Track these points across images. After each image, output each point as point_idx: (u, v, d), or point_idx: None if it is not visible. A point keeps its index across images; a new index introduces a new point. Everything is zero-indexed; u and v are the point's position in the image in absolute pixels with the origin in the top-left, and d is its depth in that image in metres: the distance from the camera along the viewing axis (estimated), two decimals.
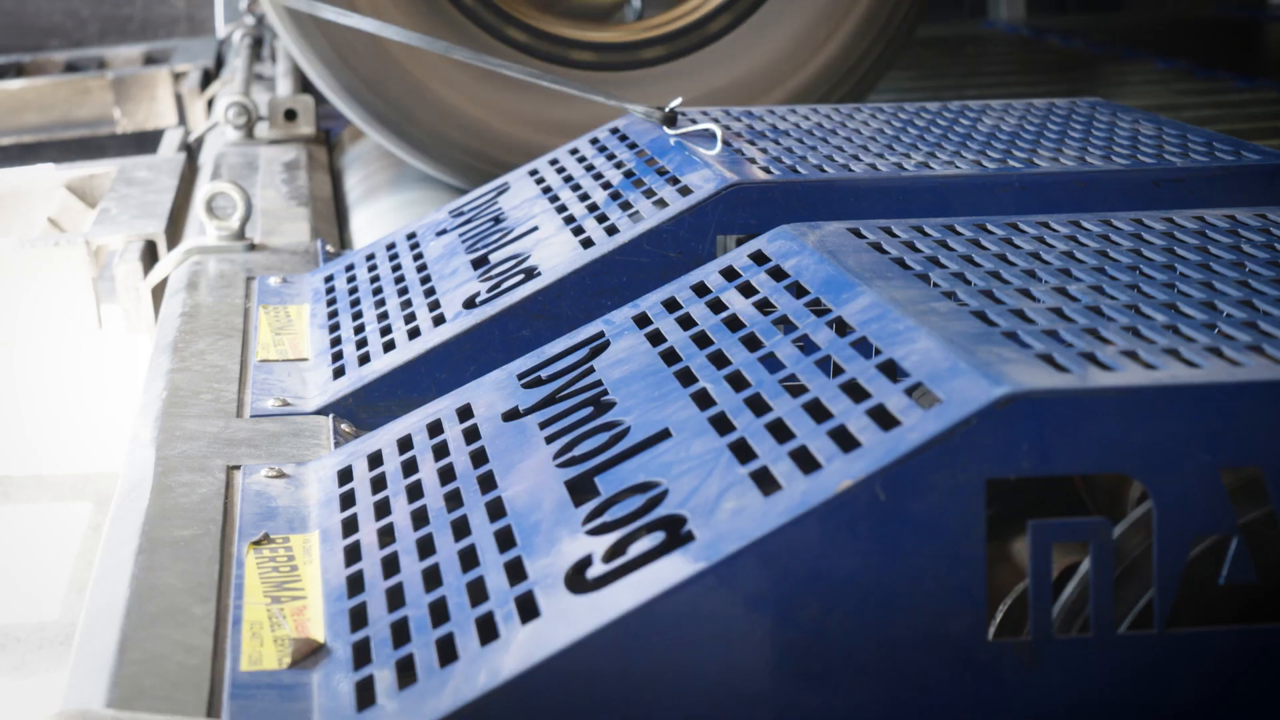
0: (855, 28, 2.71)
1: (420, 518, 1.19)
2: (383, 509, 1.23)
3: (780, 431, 1.07)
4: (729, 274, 1.41)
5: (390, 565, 1.14)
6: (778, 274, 1.36)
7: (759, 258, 1.41)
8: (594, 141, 2.08)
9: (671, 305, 1.39)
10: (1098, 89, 3.80)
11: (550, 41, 2.69)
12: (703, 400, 1.17)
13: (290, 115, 3.19)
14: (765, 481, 1.02)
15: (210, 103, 4.00)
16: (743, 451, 1.07)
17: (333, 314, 1.84)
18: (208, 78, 4.30)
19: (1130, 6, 5.81)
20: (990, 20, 5.67)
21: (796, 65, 2.72)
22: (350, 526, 1.22)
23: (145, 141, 3.94)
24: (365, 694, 1.00)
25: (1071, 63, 4.46)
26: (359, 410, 1.56)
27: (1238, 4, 5.68)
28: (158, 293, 2.22)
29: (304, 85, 3.72)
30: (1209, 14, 5.52)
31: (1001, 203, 1.67)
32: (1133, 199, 1.66)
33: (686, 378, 1.23)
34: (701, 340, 1.29)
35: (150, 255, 2.32)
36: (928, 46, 4.63)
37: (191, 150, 3.21)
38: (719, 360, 1.23)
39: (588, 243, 1.71)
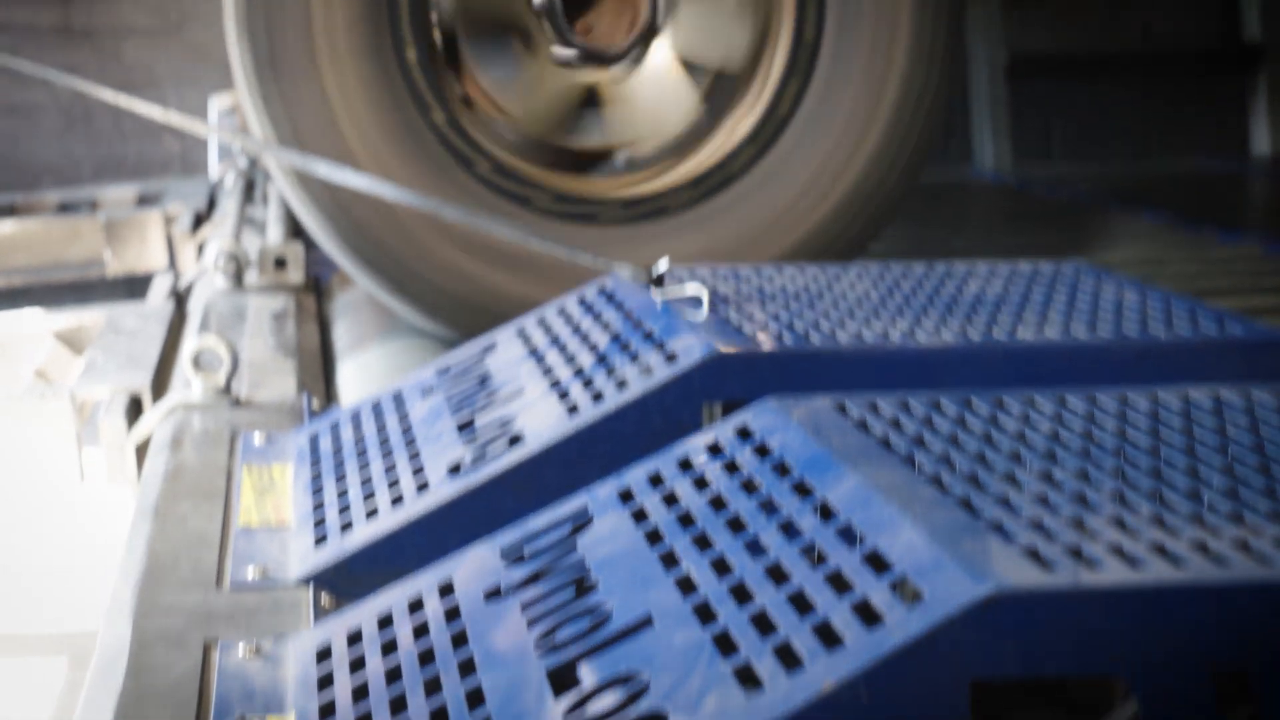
0: (874, 151, 2.74)
1: (399, 705, 1.17)
2: (361, 693, 1.21)
3: (763, 623, 1.06)
4: (714, 449, 1.40)
5: None
6: (762, 450, 1.35)
7: (744, 432, 1.41)
8: (581, 301, 2.08)
9: (656, 480, 1.38)
10: (1082, 241, 3.84)
11: (578, 203, 2.71)
12: (686, 586, 1.16)
13: (280, 263, 3.20)
14: (748, 677, 1.01)
15: (201, 247, 4.02)
16: (725, 643, 1.06)
17: (316, 476, 1.83)
18: (199, 219, 4.32)
19: (1115, 155, 5.89)
20: (977, 168, 5.74)
21: (819, 197, 2.74)
22: (328, 711, 1.21)
23: (135, 285, 3.96)
24: None
25: (1056, 214, 4.51)
26: (340, 580, 1.54)
27: (1221, 155, 5.76)
28: (142, 447, 2.21)
29: (295, 230, 3.74)
30: (1193, 165, 5.60)
31: (987, 374, 1.67)
32: (1117, 371, 1.66)
33: (670, 560, 1.22)
34: (685, 520, 1.28)
35: (135, 408, 2.32)
36: (914, 193, 4.68)
37: (181, 297, 3.21)
38: (703, 543, 1.22)
39: (573, 409, 1.70)
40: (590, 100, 2.79)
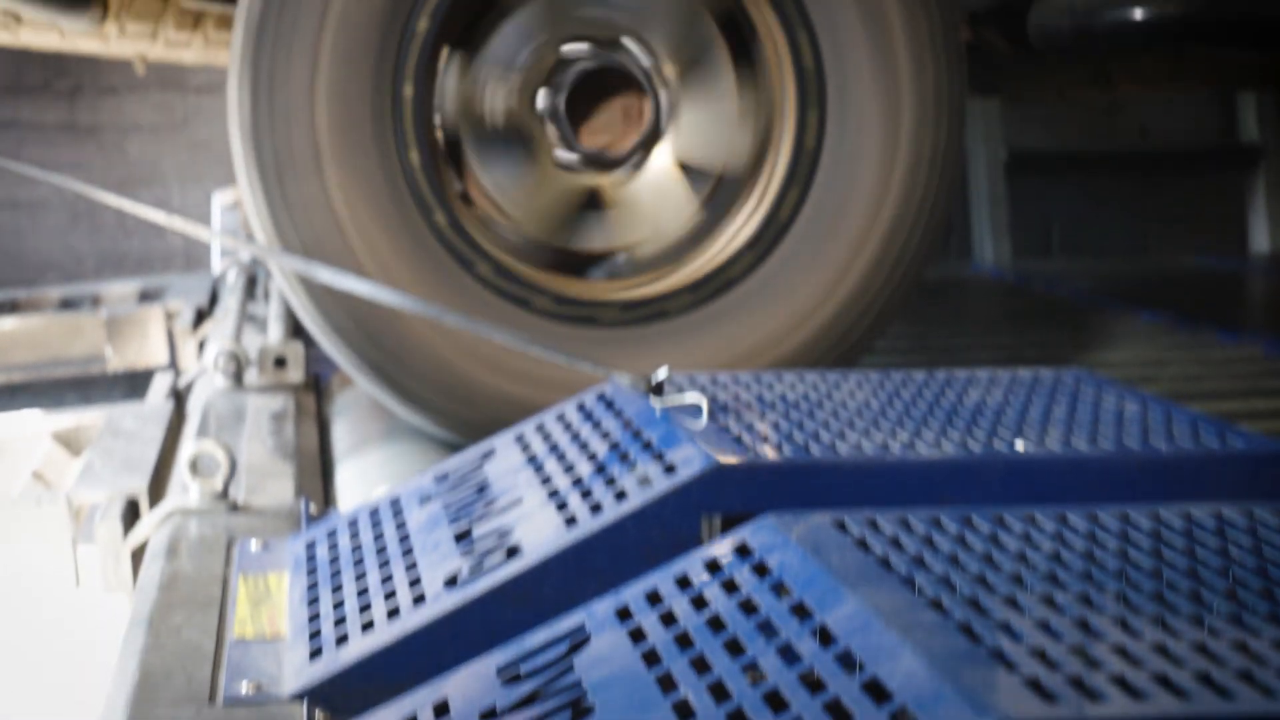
0: (876, 256, 2.74)
1: None
2: None
3: None
4: (712, 566, 1.39)
5: None
6: (761, 569, 1.34)
7: (742, 550, 1.40)
8: (581, 407, 2.08)
9: (654, 598, 1.37)
10: (1083, 341, 3.84)
11: (577, 306, 2.71)
12: (683, 711, 1.15)
13: (280, 362, 3.20)
14: None
15: (202, 343, 4.03)
16: None
17: (312, 586, 1.82)
18: (200, 315, 4.34)
19: (1115, 252, 5.92)
20: (976, 263, 5.77)
21: (820, 301, 2.74)
22: None
23: (136, 381, 3.96)
24: None
25: (1056, 311, 4.51)
26: (335, 695, 1.53)
27: (1221, 253, 5.78)
28: (138, 553, 2.20)
29: (295, 328, 3.74)
30: (1192, 263, 5.62)
31: (987, 487, 1.66)
32: (1118, 485, 1.65)
33: (667, 683, 1.20)
34: (683, 641, 1.26)
35: (132, 513, 2.31)
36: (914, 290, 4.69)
37: (180, 396, 3.21)
38: (701, 665, 1.21)
39: (571, 521, 1.69)
40: (592, 203, 2.80)
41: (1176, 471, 1.66)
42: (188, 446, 2.21)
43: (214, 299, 4.60)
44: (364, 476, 2.69)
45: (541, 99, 2.69)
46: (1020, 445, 1.73)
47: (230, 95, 2.65)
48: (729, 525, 1.59)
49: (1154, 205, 5.97)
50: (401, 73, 2.62)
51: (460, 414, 2.70)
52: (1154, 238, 5.95)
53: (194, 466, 2.18)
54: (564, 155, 2.72)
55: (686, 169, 2.80)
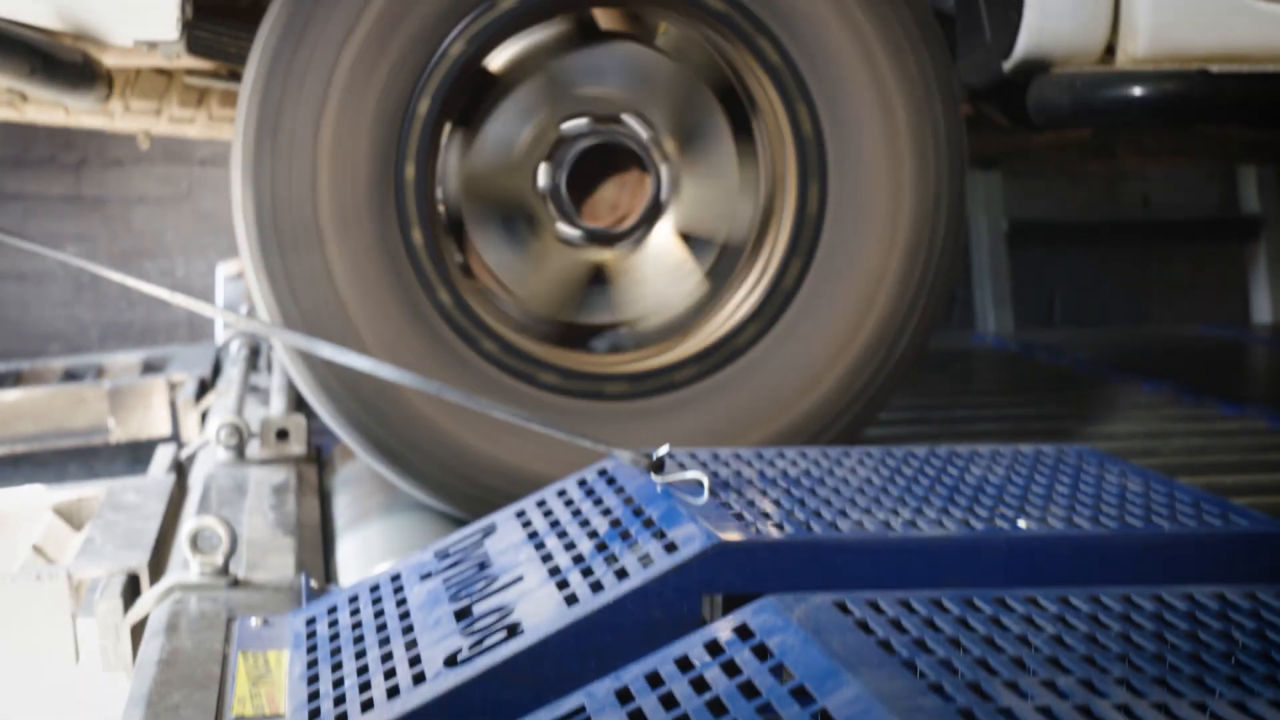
0: (879, 326, 2.74)
1: None
2: None
3: None
4: (713, 648, 1.38)
5: None
6: (762, 652, 1.34)
7: (743, 631, 1.39)
8: (581, 484, 2.08)
9: (654, 680, 1.36)
10: (1086, 413, 3.84)
11: (583, 379, 2.71)
12: None
13: (282, 435, 3.20)
14: None
15: (205, 414, 4.03)
16: None
17: (312, 664, 1.81)
18: (203, 386, 4.34)
19: (1117, 322, 5.93)
20: (979, 333, 5.77)
21: (824, 371, 2.74)
22: None
23: (138, 452, 3.96)
24: None
25: (1059, 382, 4.51)
26: None
27: (1223, 323, 5.79)
28: (138, 629, 2.19)
29: (297, 400, 3.75)
30: (1194, 333, 5.62)
31: (989, 566, 1.66)
32: (1121, 564, 1.65)
33: None
34: None
35: (132, 588, 2.30)
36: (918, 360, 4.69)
37: (182, 468, 3.21)
38: None
39: (572, 599, 1.69)
40: (597, 278, 2.80)
41: (1179, 551, 1.66)
42: (189, 521, 2.20)
43: (217, 370, 4.61)
44: (365, 551, 2.68)
45: (543, 176, 2.70)
46: (1023, 524, 1.73)
47: (234, 172, 2.66)
48: (730, 602, 1.59)
49: (1156, 275, 5.99)
50: (404, 153, 2.63)
51: (462, 488, 2.69)
52: (1156, 308, 5.96)
53: (195, 542, 2.18)
54: (566, 231, 2.73)
55: (689, 239, 2.81)
